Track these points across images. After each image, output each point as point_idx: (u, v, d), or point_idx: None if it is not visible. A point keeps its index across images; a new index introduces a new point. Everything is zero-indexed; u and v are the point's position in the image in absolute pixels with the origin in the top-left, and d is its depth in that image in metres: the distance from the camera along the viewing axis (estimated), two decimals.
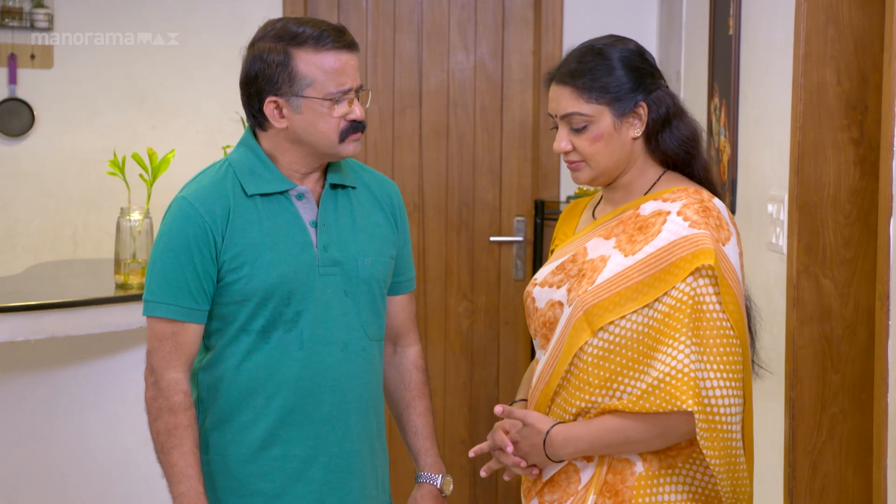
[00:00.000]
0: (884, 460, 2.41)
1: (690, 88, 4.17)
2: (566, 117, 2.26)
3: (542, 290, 2.35)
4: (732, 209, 3.51)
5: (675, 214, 2.22)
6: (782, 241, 3.03)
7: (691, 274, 2.16)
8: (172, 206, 2.40)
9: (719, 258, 2.17)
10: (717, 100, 3.76)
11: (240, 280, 2.36)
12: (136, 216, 3.67)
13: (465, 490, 4.85)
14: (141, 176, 3.74)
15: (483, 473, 2.35)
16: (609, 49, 2.26)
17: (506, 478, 2.36)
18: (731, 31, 3.59)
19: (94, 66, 4.62)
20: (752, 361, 2.31)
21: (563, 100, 2.26)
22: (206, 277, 2.37)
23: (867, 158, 2.88)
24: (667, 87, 2.31)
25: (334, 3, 4.75)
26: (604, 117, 2.25)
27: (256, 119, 2.41)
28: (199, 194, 2.38)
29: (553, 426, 2.25)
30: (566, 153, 2.28)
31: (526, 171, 4.81)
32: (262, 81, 2.36)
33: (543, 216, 4.62)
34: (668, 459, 2.23)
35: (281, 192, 2.41)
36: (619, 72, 2.25)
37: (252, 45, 2.38)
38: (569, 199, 4.63)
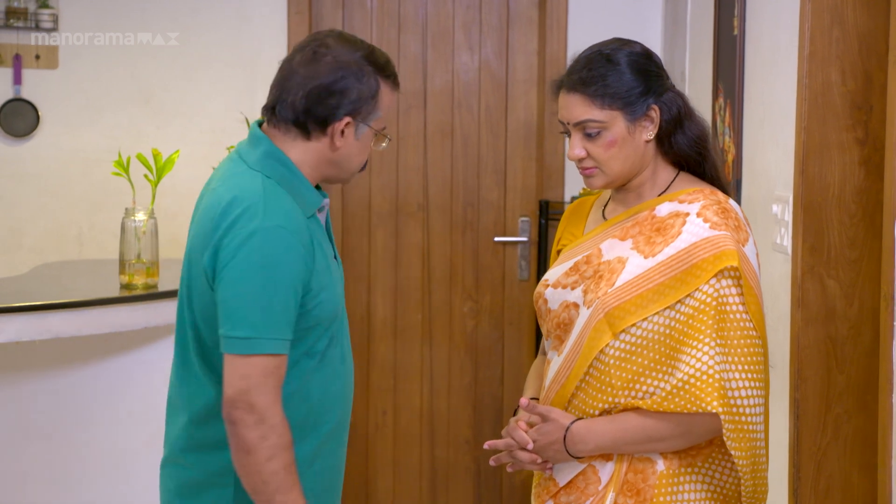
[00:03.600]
0: (888, 461, 2.41)
1: (695, 89, 4.16)
2: (580, 124, 2.26)
3: (556, 291, 2.34)
4: None
5: (694, 216, 2.22)
6: (787, 242, 3.03)
7: (715, 275, 2.16)
8: (270, 235, 2.17)
9: (742, 259, 2.18)
10: (721, 100, 3.76)
11: (318, 306, 2.25)
12: (140, 216, 3.67)
13: (470, 491, 4.85)
14: (146, 176, 3.74)
15: (492, 463, 2.35)
16: (617, 53, 2.26)
17: (510, 469, 2.36)
18: (735, 32, 3.59)
19: (99, 67, 4.62)
20: None
21: (576, 107, 2.25)
22: (298, 308, 2.24)
23: (872, 159, 2.88)
24: (674, 87, 2.31)
25: (339, 3, 4.75)
26: (617, 122, 2.24)
27: (308, 127, 2.25)
28: (292, 224, 2.21)
29: (574, 421, 2.25)
30: (580, 160, 2.28)
31: (530, 172, 4.80)
32: (346, 98, 2.23)
33: (548, 216, 4.61)
34: (689, 458, 2.24)
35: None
36: (629, 76, 2.24)
37: (331, 54, 2.24)
38: (573, 199, 4.62)
